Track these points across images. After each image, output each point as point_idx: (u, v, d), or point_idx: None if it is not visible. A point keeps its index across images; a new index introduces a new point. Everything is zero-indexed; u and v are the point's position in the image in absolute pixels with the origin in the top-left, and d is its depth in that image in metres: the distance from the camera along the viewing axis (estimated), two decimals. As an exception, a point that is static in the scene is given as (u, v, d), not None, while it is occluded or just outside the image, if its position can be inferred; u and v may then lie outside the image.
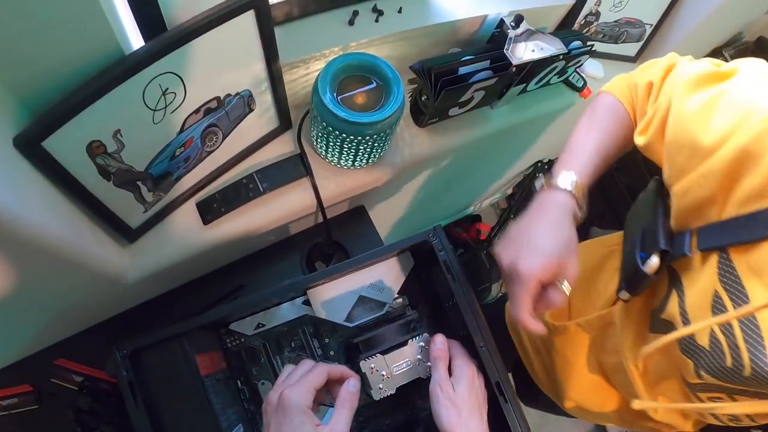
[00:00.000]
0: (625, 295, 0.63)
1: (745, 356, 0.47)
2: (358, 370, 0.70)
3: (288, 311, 0.77)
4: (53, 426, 0.84)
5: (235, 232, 0.74)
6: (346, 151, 0.74)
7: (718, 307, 0.50)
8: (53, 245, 0.55)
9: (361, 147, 0.72)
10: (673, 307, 0.57)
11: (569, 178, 0.62)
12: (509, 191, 1.73)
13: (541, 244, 0.58)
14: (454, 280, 0.69)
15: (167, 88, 0.60)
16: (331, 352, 0.77)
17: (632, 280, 0.61)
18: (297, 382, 0.52)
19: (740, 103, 0.49)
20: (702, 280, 0.52)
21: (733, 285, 0.49)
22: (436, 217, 1.56)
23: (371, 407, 0.78)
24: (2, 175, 0.47)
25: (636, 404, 0.64)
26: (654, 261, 0.58)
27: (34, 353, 0.85)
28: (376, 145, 0.73)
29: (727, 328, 0.49)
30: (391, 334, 0.71)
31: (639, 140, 0.63)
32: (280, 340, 0.76)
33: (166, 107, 0.63)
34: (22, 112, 0.52)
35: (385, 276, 0.76)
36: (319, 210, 0.76)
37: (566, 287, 0.59)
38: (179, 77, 0.60)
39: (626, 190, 1.56)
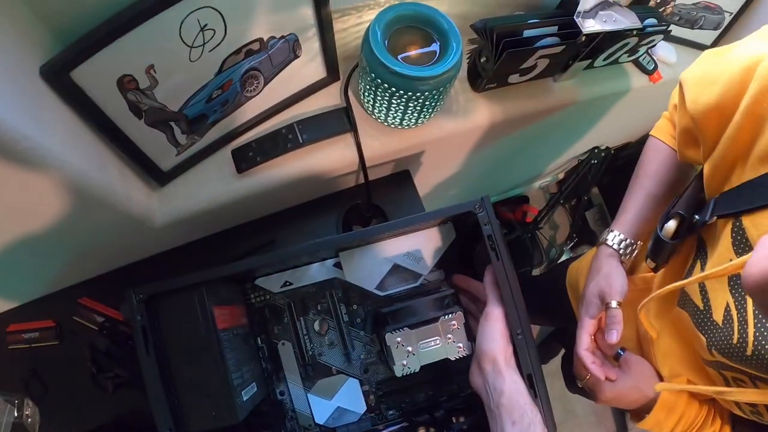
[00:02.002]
0: (650, 263, 0.65)
1: (751, 332, 0.48)
2: (383, 342, 0.66)
3: (317, 272, 0.73)
4: (71, 363, 0.83)
5: (270, 184, 0.70)
6: (394, 108, 0.68)
7: (733, 278, 0.50)
8: (78, 181, 0.52)
9: (411, 104, 0.67)
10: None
11: (617, 237, 0.71)
12: (561, 176, 1.65)
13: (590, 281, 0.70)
14: (498, 258, 0.63)
15: (206, 24, 0.56)
16: (358, 320, 0.74)
17: (654, 246, 0.63)
18: None
19: (745, 55, 0.49)
20: (719, 248, 0.53)
21: (745, 253, 0.48)
22: (483, 193, 1.49)
23: (391, 382, 0.74)
24: (25, 104, 0.44)
25: (658, 387, 0.64)
26: (670, 225, 0.60)
27: (60, 290, 0.85)
28: (427, 103, 0.67)
29: (740, 303, 0.50)
30: (423, 309, 0.66)
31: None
32: (306, 301, 0.73)
33: (204, 45, 0.58)
34: (51, 41, 0.49)
35: (424, 246, 0.72)
36: (360, 169, 0.72)
37: (614, 304, 0.66)
38: (219, 13, 0.56)
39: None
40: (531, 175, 1.51)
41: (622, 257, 0.71)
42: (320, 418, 0.73)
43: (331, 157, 0.71)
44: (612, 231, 0.72)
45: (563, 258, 1.70)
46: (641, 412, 0.68)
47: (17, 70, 0.44)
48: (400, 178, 0.83)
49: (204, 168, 0.71)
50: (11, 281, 0.77)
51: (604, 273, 0.69)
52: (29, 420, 0.85)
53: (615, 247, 0.71)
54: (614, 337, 0.63)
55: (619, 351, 0.69)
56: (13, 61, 0.44)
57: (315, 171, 0.71)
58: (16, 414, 0.84)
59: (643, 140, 0.75)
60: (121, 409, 0.81)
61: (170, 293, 0.60)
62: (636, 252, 0.72)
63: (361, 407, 0.73)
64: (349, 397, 0.73)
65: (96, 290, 0.84)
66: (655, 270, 0.66)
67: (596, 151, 1.35)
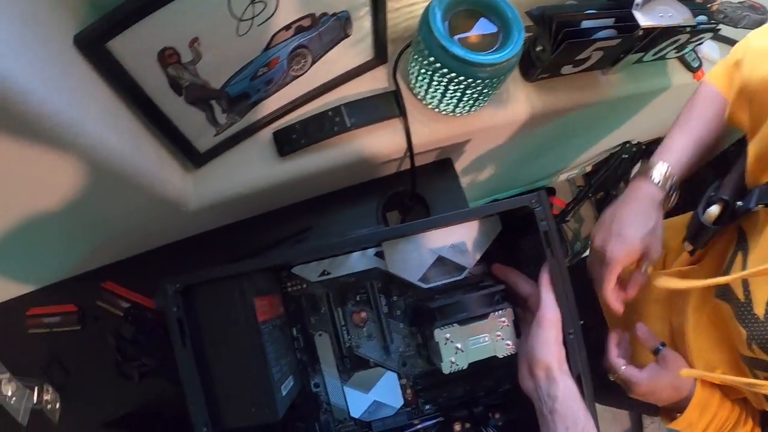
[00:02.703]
0: (688, 246, 0.64)
1: None
2: (431, 338, 0.63)
3: (357, 261, 0.71)
4: (93, 350, 0.80)
5: (312, 169, 0.67)
6: (449, 95, 0.65)
7: None
8: (112, 161, 0.49)
9: (468, 91, 0.64)
10: (736, 270, 0.57)
11: (662, 170, 0.65)
12: (588, 168, 1.62)
13: (627, 232, 0.64)
14: (552, 255, 0.61)
15: (257, -5, 0.52)
16: (398, 312, 0.71)
17: (694, 230, 0.62)
18: None
19: None
20: (762, 241, 0.52)
21: None
22: (513, 182, 1.47)
23: (429, 377, 0.72)
24: (57, 76, 0.40)
25: (684, 372, 0.64)
26: (713, 210, 0.59)
27: (83, 273, 0.81)
28: (485, 91, 0.64)
29: None
30: (472, 305, 0.64)
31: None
32: (345, 291, 0.70)
33: (253, 18, 0.55)
34: (87, 8, 0.46)
35: (468, 238, 0.69)
36: (404, 156, 0.69)
37: (649, 271, 0.66)
38: (272, -16, 0.53)
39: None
40: (560, 166, 1.48)
41: (664, 203, 0.66)
42: (356, 411, 0.71)
43: (378, 143, 0.68)
44: (660, 163, 0.65)
45: (587, 252, 1.69)
46: (673, 411, 0.67)
47: (49, 38, 0.40)
48: (442, 166, 0.81)
49: (243, 150, 0.67)
50: (34, 263, 0.73)
51: (651, 227, 0.64)
52: (49, 406, 0.82)
53: (660, 184, 0.64)
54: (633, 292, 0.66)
55: (659, 346, 0.67)
56: (45, 29, 0.40)
57: (359, 156, 0.68)
58: (35, 400, 0.82)
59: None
60: (146, 397, 0.78)
61: (208, 284, 0.57)
62: (675, 201, 0.67)
63: (398, 401, 0.71)
64: (387, 390, 0.71)
65: (120, 274, 0.81)
66: (691, 253, 0.65)
67: (627, 145, 1.32)
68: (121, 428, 0.76)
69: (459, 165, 0.83)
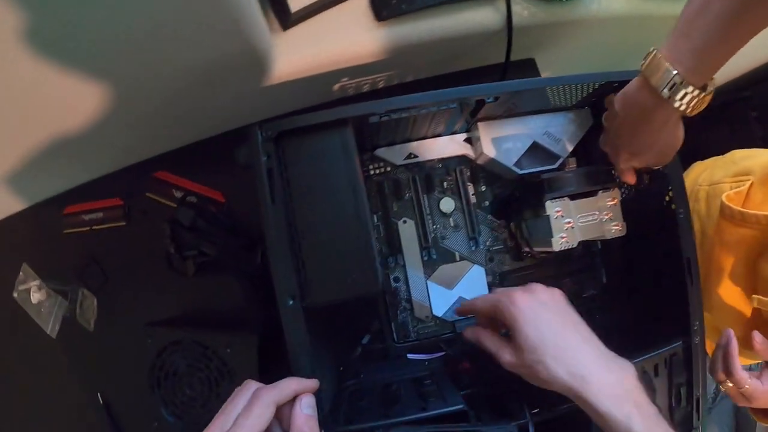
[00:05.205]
0: None
1: None
2: (539, 213, 0.59)
3: (445, 147, 0.66)
4: (139, 247, 0.73)
5: (411, 38, 0.62)
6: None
7: None
8: None
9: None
10: None
11: (690, 92, 0.45)
12: None
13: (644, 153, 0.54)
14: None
15: None
16: (486, 203, 0.67)
17: None
18: None
19: None
20: None
21: None
22: None
23: (515, 275, 0.67)
24: None
25: (756, 301, 0.59)
26: None
27: (129, 165, 0.74)
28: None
29: None
30: (581, 179, 0.60)
31: None
32: (431, 177, 0.66)
33: None
34: None
35: (562, 129, 0.65)
36: (504, 39, 0.65)
37: None
38: None
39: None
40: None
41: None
42: (439, 309, 0.65)
43: (479, 18, 0.64)
44: (684, 87, 0.45)
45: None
46: None
47: None
48: (525, 66, 0.77)
49: (337, 12, 0.62)
50: (79, 151, 0.65)
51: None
52: (84, 312, 0.74)
53: (683, 108, 0.46)
54: None
55: None
56: None
57: (458, 32, 0.63)
58: (68, 307, 0.73)
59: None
60: (201, 294, 0.70)
61: (305, 132, 0.50)
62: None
63: (485, 299, 0.66)
64: (473, 287, 0.66)
65: (172, 166, 0.74)
66: None
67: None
68: (168, 329, 0.68)
69: (542, 68, 0.79)
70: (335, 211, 0.51)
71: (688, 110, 0.46)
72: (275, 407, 0.40)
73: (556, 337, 0.45)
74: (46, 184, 0.72)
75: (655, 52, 0.46)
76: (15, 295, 0.77)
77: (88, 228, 0.73)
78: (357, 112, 0.51)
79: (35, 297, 0.75)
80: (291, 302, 0.48)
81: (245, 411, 0.38)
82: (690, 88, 0.45)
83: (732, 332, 0.58)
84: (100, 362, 0.73)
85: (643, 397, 0.43)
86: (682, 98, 0.45)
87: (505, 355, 0.47)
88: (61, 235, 0.74)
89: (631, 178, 0.58)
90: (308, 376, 0.46)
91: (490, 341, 0.49)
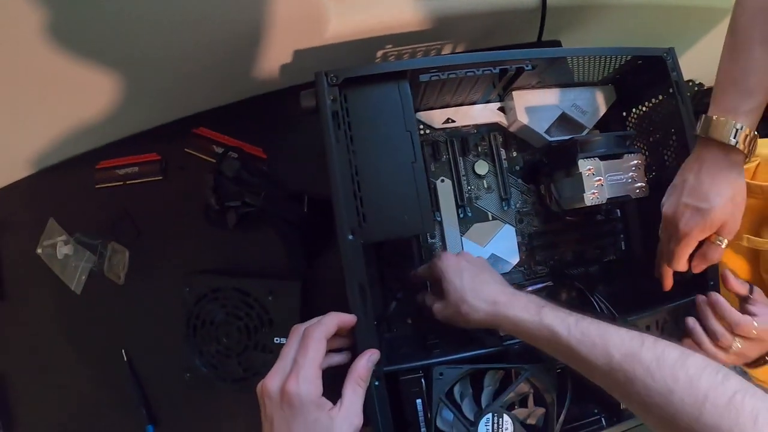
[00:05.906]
0: None
1: None
2: (574, 170, 0.63)
3: (480, 113, 0.71)
4: (176, 201, 0.74)
5: (450, 11, 0.67)
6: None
7: None
8: None
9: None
10: None
11: (730, 127, 0.51)
12: None
13: (703, 204, 0.54)
14: (683, 102, 0.64)
15: None
16: (517, 167, 0.71)
17: None
18: (299, 372, 0.41)
19: None
20: None
21: None
22: None
23: (543, 236, 0.71)
24: None
25: (746, 240, 0.64)
26: None
27: (166, 123, 0.75)
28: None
29: None
30: (610, 142, 0.65)
31: None
32: (467, 141, 0.69)
33: None
34: None
35: (588, 102, 0.71)
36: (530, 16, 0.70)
37: (724, 244, 0.56)
38: None
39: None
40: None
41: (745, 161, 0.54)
42: (471, 265, 0.69)
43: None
44: (736, 126, 0.51)
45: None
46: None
47: None
48: (553, 47, 0.82)
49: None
50: (119, 103, 0.66)
51: (731, 195, 0.53)
52: (113, 266, 0.74)
53: (733, 143, 0.51)
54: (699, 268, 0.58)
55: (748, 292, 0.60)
56: None
57: (496, 7, 0.68)
58: (96, 260, 0.73)
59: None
60: (241, 245, 0.71)
61: (367, 80, 0.54)
62: (755, 147, 0.54)
63: (514, 257, 0.70)
64: (504, 244, 0.70)
65: (212, 124, 0.75)
66: None
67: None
68: (208, 277, 0.69)
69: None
70: (392, 155, 0.55)
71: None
72: (326, 341, 0.44)
73: (474, 280, 0.54)
74: (80, 140, 0.72)
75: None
76: (39, 251, 0.76)
77: (121, 183, 0.74)
78: (415, 66, 0.56)
79: (61, 252, 0.75)
80: (351, 237, 0.51)
81: (301, 350, 0.42)
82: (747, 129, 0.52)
83: (709, 295, 0.59)
84: (128, 316, 0.73)
85: (552, 305, 0.49)
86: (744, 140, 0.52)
87: (436, 305, 0.56)
88: (92, 190, 0.75)
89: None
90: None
91: (426, 297, 0.60)
